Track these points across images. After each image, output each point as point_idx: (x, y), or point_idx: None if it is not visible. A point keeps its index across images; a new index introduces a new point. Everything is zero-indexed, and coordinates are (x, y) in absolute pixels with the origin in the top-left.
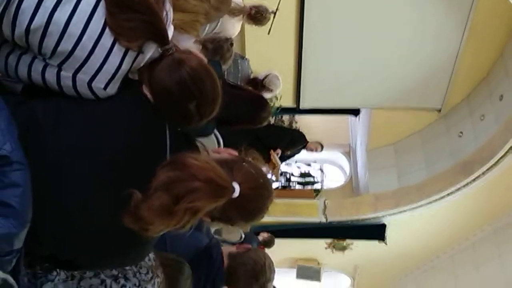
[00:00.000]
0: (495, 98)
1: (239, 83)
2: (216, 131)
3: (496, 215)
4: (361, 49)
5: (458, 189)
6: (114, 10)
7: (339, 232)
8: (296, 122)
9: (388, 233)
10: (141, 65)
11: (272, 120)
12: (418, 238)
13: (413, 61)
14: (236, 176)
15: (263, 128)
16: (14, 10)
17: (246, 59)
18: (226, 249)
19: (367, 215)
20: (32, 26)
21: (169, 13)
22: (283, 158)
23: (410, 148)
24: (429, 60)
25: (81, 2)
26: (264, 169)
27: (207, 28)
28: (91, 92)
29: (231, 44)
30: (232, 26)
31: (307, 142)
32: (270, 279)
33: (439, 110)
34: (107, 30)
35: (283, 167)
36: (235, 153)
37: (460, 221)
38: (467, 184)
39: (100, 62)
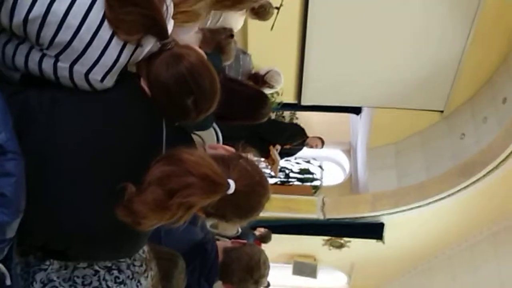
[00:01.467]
0: (498, 101)
1: (240, 78)
2: (215, 125)
3: (495, 219)
4: (364, 47)
5: (458, 191)
6: (113, 3)
7: (337, 230)
8: (297, 118)
9: (386, 232)
10: (140, 58)
11: (272, 115)
12: (416, 238)
13: (417, 61)
14: (231, 173)
15: (263, 123)
16: (13, 0)
17: (248, 54)
18: (221, 244)
19: (365, 213)
20: (30, 16)
21: (169, 7)
22: (282, 154)
23: (411, 148)
24: (433, 61)
25: None
26: (264, 163)
27: (209, 22)
28: (88, 84)
29: (231, 35)
30: (235, 21)
31: (307, 137)
32: (265, 274)
33: (442, 112)
34: (105, 22)
35: (283, 163)
36: (232, 149)
37: (459, 223)
38: (467, 186)
39: (98, 54)
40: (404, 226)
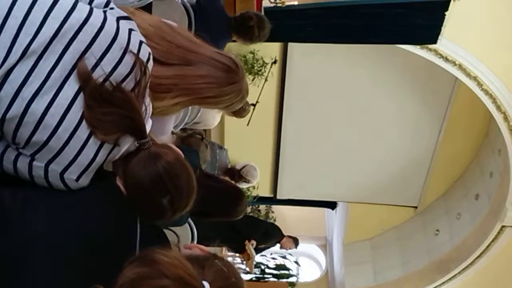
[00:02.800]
0: (471, 198)
1: (216, 172)
2: (190, 221)
3: None
4: (338, 144)
5: None
6: (92, 103)
7: None
8: (272, 212)
9: None
10: (116, 157)
11: (248, 209)
12: None
13: (390, 157)
14: (207, 274)
15: (239, 219)
16: None
17: (224, 149)
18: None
19: None
20: (8, 116)
21: (148, 107)
22: (258, 250)
23: (387, 244)
24: (406, 156)
25: (60, 94)
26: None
27: (186, 118)
28: (63, 183)
29: (202, 138)
30: (212, 117)
31: (283, 236)
32: None
33: (416, 207)
34: (83, 122)
35: (258, 258)
36: (207, 249)
37: None
38: (443, 283)
39: (74, 153)
40: None
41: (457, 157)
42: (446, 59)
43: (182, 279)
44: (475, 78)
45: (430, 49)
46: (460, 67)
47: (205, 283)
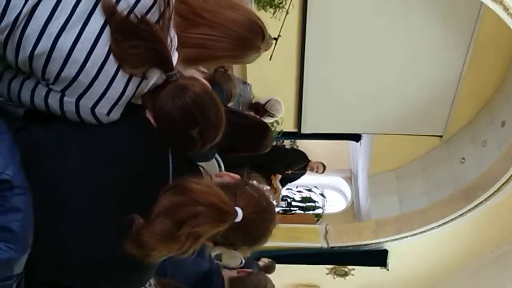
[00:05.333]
0: (497, 125)
1: (240, 108)
2: (217, 156)
3: (498, 242)
4: (362, 75)
5: (461, 215)
6: (118, 36)
7: (341, 258)
8: (297, 147)
9: (390, 259)
10: (145, 91)
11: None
12: (421, 264)
13: (415, 87)
14: (238, 200)
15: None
16: (18, 36)
17: (248, 84)
18: (227, 274)
19: (368, 240)
20: (36, 52)
21: (173, 39)
22: (284, 182)
23: (412, 174)
24: (431, 86)
25: (86, 28)
26: (267, 190)
27: None
28: (94, 118)
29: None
30: None
31: (309, 161)
32: None
33: (441, 136)
34: (111, 56)
35: (284, 191)
36: (238, 176)
37: (462, 247)
38: (469, 210)
39: (104, 88)
40: (408, 252)
41: (483, 85)
42: None
43: (215, 205)
44: (500, 2)
45: None
46: None
47: (238, 209)
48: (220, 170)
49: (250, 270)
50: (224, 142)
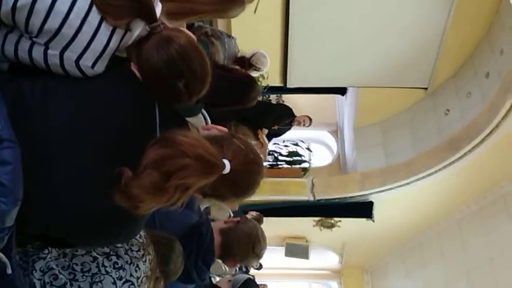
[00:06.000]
0: (481, 76)
1: (226, 61)
2: (203, 111)
3: (482, 193)
4: (347, 27)
5: (445, 167)
6: None
7: (327, 210)
8: (283, 101)
9: (376, 210)
10: (129, 43)
11: (259, 99)
12: (406, 215)
13: (400, 39)
14: (226, 153)
15: (249, 107)
16: None
17: (232, 37)
18: (216, 225)
19: (354, 193)
20: (18, 4)
21: None
22: (270, 137)
23: (397, 126)
24: (416, 38)
25: None
26: (254, 144)
27: None
28: (79, 71)
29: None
30: None
31: (294, 115)
32: (264, 247)
33: (426, 89)
34: (94, 8)
35: (271, 146)
36: (225, 129)
37: (447, 198)
38: (454, 161)
39: (88, 40)
40: (393, 203)
41: (467, 37)
42: None
43: (203, 157)
44: None
45: None
46: None
47: (225, 161)
48: (206, 124)
49: (238, 218)
50: (210, 96)
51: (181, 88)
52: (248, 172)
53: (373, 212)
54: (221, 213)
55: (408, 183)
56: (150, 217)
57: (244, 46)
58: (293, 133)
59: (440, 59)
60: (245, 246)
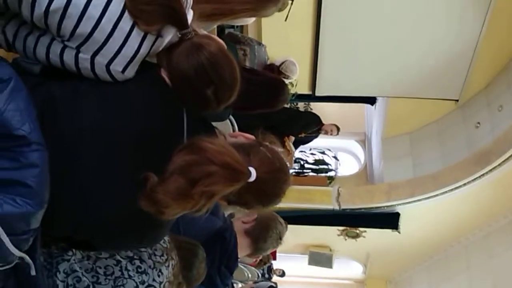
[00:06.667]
0: None
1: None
2: (231, 117)
3: (511, 207)
4: (379, 37)
5: (474, 180)
6: None
7: (352, 220)
8: (311, 109)
9: (402, 222)
10: (160, 49)
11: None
12: (432, 227)
13: (431, 50)
14: (252, 160)
15: (278, 115)
16: None
17: (262, 45)
18: (238, 227)
19: (380, 203)
20: (51, 8)
21: None
22: (297, 144)
23: (426, 137)
24: (447, 49)
25: None
26: (281, 151)
27: None
28: (109, 75)
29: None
30: None
31: (322, 124)
32: (286, 227)
33: (457, 100)
34: (126, 13)
35: (298, 154)
36: (252, 137)
37: (474, 212)
38: (483, 175)
39: (119, 45)
40: (420, 215)
41: (500, 49)
42: None
43: (229, 165)
44: None
45: None
46: None
47: (251, 169)
48: (233, 131)
49: (255, 216)
50: (239, 99)
51: (210, 95)
52: (274, 181)
53: (399, 223)
54: None
55: (435, 195)
56: (174, 222)
57: (274, 53)
58: (320, 141)
59: (472, 71)
60: (273, 239)
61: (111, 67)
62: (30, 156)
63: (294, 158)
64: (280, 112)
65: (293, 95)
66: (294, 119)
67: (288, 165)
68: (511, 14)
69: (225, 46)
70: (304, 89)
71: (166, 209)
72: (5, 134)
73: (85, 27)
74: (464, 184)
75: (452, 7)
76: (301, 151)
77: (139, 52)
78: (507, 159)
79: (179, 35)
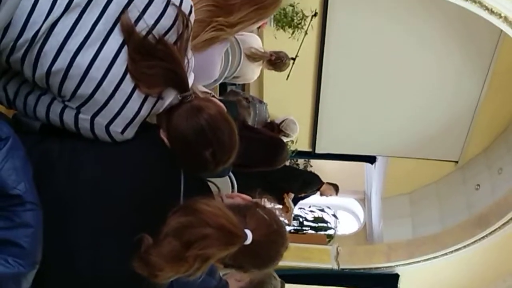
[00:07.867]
0: None
1: (256, 126)
2: (231, 175)
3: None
4: (379, 97)
5: (474, 242)
6: (136, 56)
7: (351, 280)
8: (311, 166)
9: (401, 283)
10: (160, 110)
11: (287, 163)
12: None
13: (431, 111)
14: (249, 223)
15: (277, 171)
16: (37, 52)
17: (264, 103)
18: (232, 285)
19: (380, 264)
20: (53, 69)
21: (190, 61)
22: (296, 201)
23: (426, 198)
24: (447, 111)
25: (104, 47)
26: (279, 210)
27: (226, 72)
28: (108, 136)
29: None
30: (252, 71)
31: (322, 183)
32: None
33: (457, 162)
34: (128, 75)
35: (297, 211)
36: (249, 198)
37: (474, 275)
38: (483, 237)
39: (119, 106)
40: (420, 277)
41: (500, 112)
42: (491, 11)
43: (224, 227)
44: None
45: (474, 1)
46: (506, 19)
47: (247, 231)
48: (232, 187)
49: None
50: (239, 158)
51: (208, 157)
52: (271, 243)
53: (398, 285)
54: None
55: (435, 257)
56: (168, 284)
57: (275, 111)
58: (319, 199)
59: (472, 133)
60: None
61: (110, 128)
62: (24, 215)
63: (293, 215)
64: (280, 169)
65: (293, 151)
66: (294, 176)
67: (287, 222)
68: (510, 77)
69: (225, 109)
70: (305, 146)
71: (160, 272)
72: (0, 193)
73: (86, 88)
74: (464, 247)
75: (452, 71)
76: (300, 208)
77: (139, 114)
78: (507, 222)
79: (180, 98)
